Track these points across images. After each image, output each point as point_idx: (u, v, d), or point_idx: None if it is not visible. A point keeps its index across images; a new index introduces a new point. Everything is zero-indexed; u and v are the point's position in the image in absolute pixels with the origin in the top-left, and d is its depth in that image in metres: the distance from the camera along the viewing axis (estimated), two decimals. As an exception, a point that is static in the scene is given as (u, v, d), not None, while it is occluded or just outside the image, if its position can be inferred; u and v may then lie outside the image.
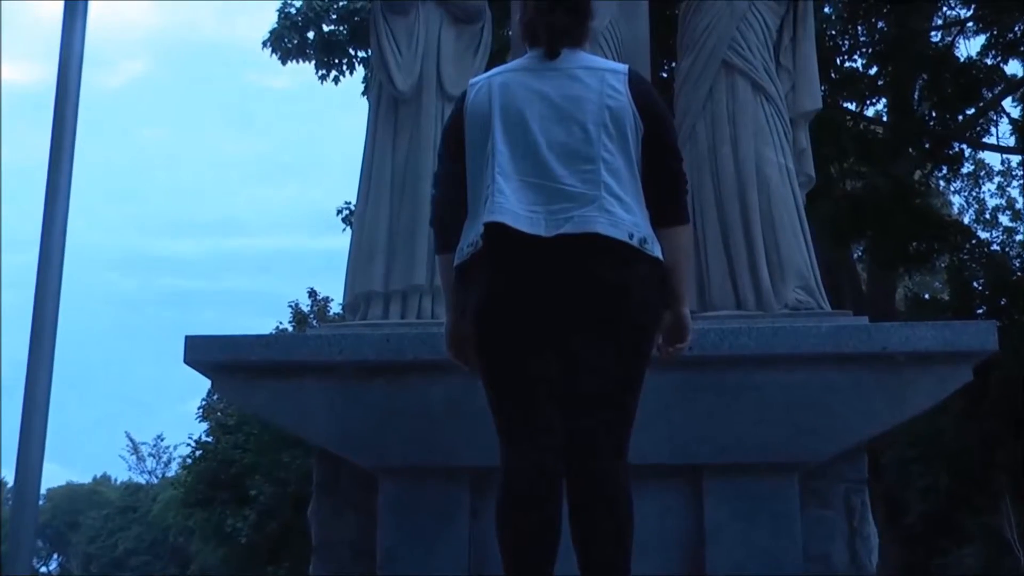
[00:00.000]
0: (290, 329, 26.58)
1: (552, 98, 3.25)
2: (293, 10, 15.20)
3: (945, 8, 16.08)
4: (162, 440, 52.98)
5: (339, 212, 16.98)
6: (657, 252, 3.20)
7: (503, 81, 3.33)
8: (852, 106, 16.00)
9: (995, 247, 19.25)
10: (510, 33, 6.62)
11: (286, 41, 15.03)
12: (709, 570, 4.54)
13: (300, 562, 17.35)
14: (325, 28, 15.33)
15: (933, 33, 16.04)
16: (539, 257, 3.11)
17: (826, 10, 13.97)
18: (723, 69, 5.39)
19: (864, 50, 15.17)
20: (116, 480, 64.88)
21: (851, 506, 4.77)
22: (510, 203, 3.13)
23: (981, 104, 15.77)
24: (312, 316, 27.82)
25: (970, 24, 15.66)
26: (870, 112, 16.74)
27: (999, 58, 15.13)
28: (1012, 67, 15.54)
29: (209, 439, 26.99)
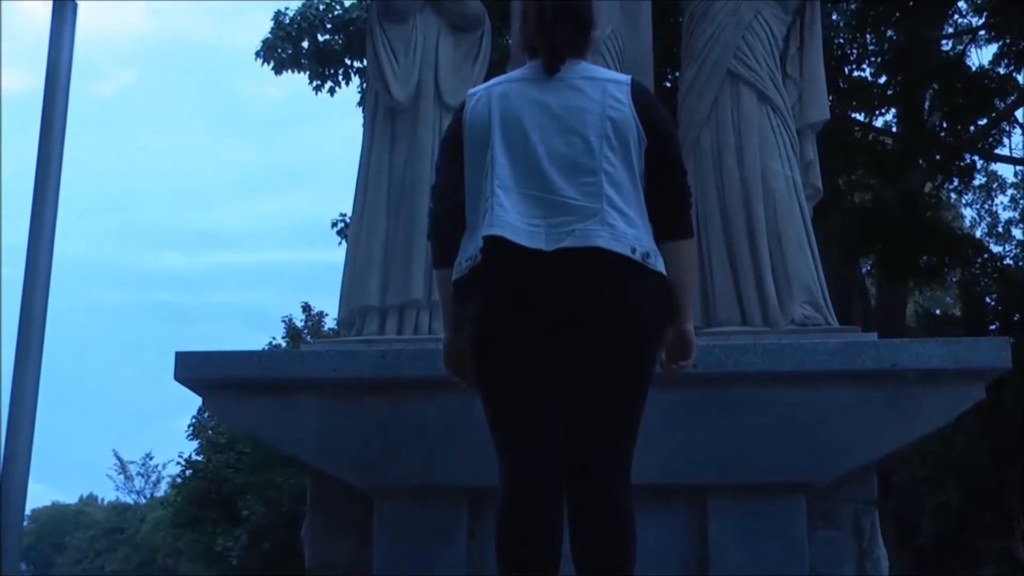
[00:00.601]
0: (283, 345, 26.58)
1: (553, 109, 3.25)
2: (287, 19, 15.23)
3: (956, 16, 16.11)
4: (151, 459, 52.90)
5: (334, 224, 17.00)
6: (660, 267, 3.20)
7: (503, 91, 3.34)
8: (861, 116, 16.03)
9: (1008, 261, 19.22)
10: (510, 42, 6.64)
11: (280, 51, 15.06)
12: (714, 594, 4.54)
13: (293, 585, 17.29)
14: (320, 37, 15.37)
15: (944, 41, 16.07)
16: (539, 272, 3.11)
17: (834, 18, 14.00)
18: (728, 79, 5.40)
19: (873, 59, 15.20)
20: (103, 500, 64.81)
21: (860, 527, 4.77)
22: (510, 216, 3.14)
23: (993, 114, 15.79)
24: (306, 331, 27.81)
25: (982, 32, 15.68)
26: (879, 123, 16.79)
27: (1012, 67, 15.16)
28: (1025, 76, 15.59)
29: (200, 458, 26.97)
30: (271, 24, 15.33)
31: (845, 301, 14.55)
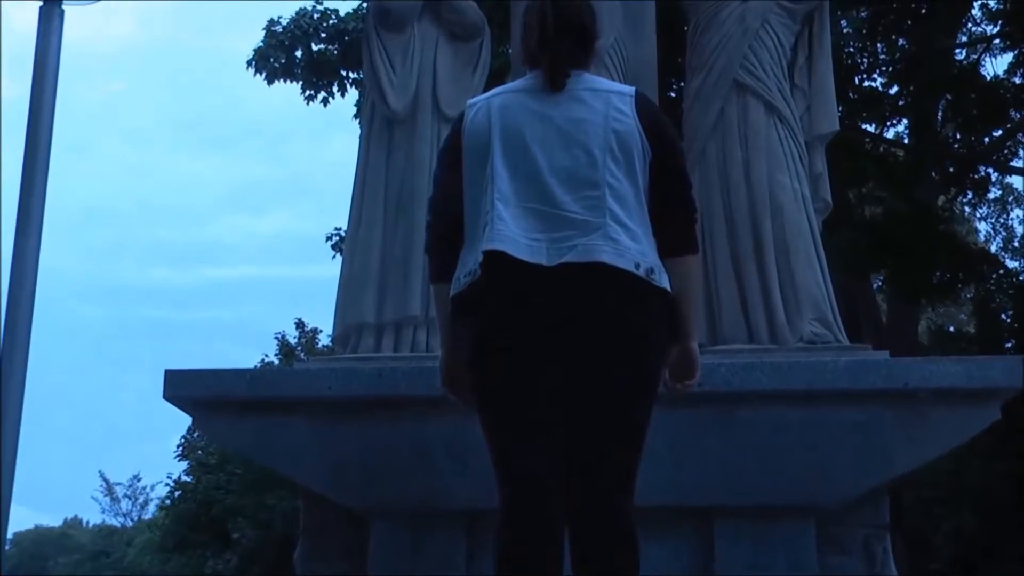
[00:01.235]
0: (276, 362, 26.55)
1: (555, 121, 3.27)
2: (280, 28, 15.25)
3: (970, 24, 16.15)
4: (138, 480, 52.71)
5: (328, 238, 17.01)
6: (665, 283, 3.21)
7: (503, 102, 3.35)
8: (871, 128, 16.06)
9: (1024, 277, 19.24)
10: (510, 51, 6.67)
11: (272, 60, 15.08)
12: (720, 620, 4.53)
13: (285, 610, 17.25)
14: (314, 47, 15.40)
15: (957, 50, 16.10)
16: (540, 288, 3.12)
17: (843, 26, 14.04)
18: (734, 89, 5.42)
19: (884, 68, 15.23)
20: (88, 523, 64.56)
21: (872, 552, 4.77)
22: (510, 230, 3.15)
23: (1009, 125, 15.81)
24: (300, 348, 27.80)
25: (997, 41, 15.73)
26: (890, 134, 16.83)
27: (1027, 77, 15.20)
28: (1041, 86, 15.61)
29: (189, 479, 26.90)
30: (263, 33, 15.35)
31: (855, 318, 14.55)
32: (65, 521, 69.20)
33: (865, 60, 15.02)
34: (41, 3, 6.93)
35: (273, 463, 5.21)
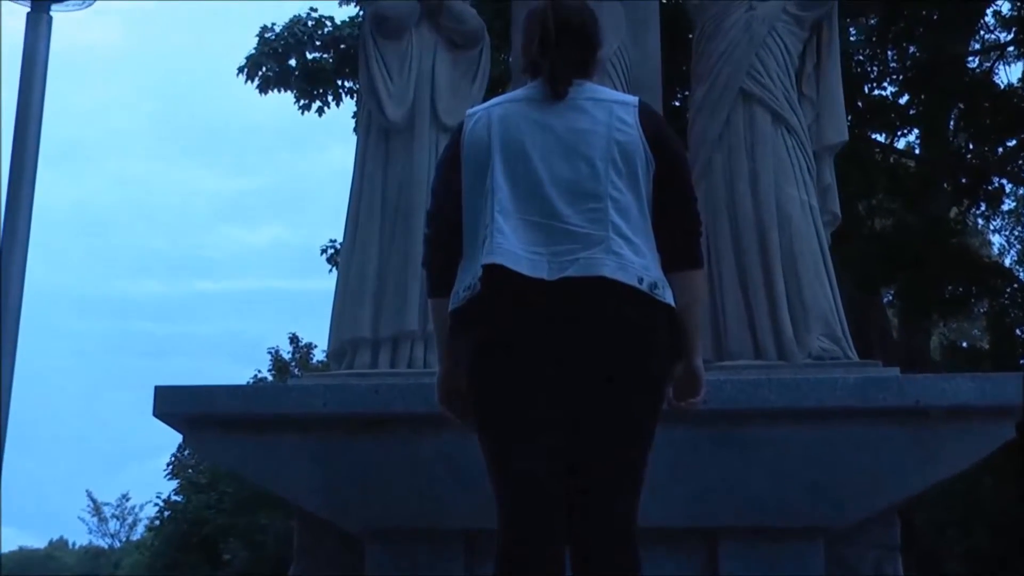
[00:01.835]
0: (270, 378, 26.56)
1: (556, 131, 3.27)
2: (273, 35, 15.25)
3: (983, 31, 16.17)
4: (127, 500, 52.61)
5: (323, 251, 17.01)
6: (669, 298, 3.21)
7: (503, 112, 3.36)
8: (881, 138, 16.07)
9: (1039, 291, 19.23)
10: (510, 59, 6.69)
11: (265, 69, 15.08)
12: (726, 645, 4.53)
13: (277, 634, 17.21)
14: (308, 55, 15.40)
15: (970, 58, 16.12)
16: (541, 302, 3.12)
17: (852, 34, 14.06)
18: (741, 98, 5.44)
19: (895, 77, 15.25)
20: (75, 544, 64.49)
21: (882, 575, 4.77)
22: (510, 244, 3.15)
23: (1022, 135, 15.82)
24: (294, 364, 27.80)
25: (1011, 48, 15.74)
26: (901, 144, 16.83)
27: (1043, 85, 15.20)
28: (1056, 95, 15.62)
29: (179, 498, 26.89)
30: (255, 40, 15.35)
31: (865, 333, 14.53)
32: (51, 542, 69.11)
33: (875, 68, 15.04)
34: (28, 9, 6.95)
35: (266, 482, 5.21)
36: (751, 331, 5.17)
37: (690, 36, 6.02)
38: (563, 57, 3.33)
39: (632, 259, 3.15)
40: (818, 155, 5.54)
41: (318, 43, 15.36)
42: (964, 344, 23.40)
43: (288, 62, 15.29)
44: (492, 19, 8.04)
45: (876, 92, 15.30)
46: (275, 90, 15.33)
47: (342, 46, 15.06)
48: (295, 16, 15.50)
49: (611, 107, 3.32)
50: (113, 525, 52.63)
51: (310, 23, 15.43)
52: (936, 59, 14.46)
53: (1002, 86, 15.47)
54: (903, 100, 15.48)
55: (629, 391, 3.14)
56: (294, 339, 29.01)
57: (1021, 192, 22.46)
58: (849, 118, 7.08)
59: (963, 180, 16.06)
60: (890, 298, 17.84)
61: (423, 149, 5.55)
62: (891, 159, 16.25)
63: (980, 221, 21.25)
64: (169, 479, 28.79)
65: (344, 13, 15.86)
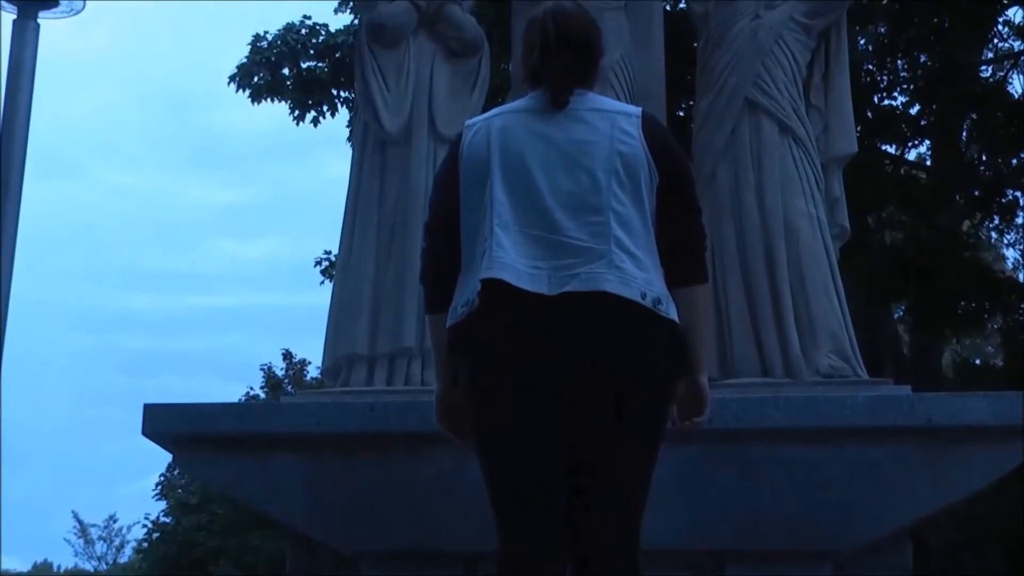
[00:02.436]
0: (262, 396, 26.53)
1: (558, 142, 3.28)
2: (266, 43, 15.25)
3: (996, 40, 16.19)
4: (114, 521, 52.43)
5: (318, 263, 17.02)
6: (672, 313, 3.22)
7: (503, 123, 3.37)
8: (892, 149, 16.08)
9: (1055, 307, 19.21)
10: (510, 68, 6.70)
11: (257, 78, 15.07)
12: (732, 672, 4.53)
13: (269, 660, 17.20)
14: (302, 64, 15.40)
15: (983, 67, 16.14)
16: (542, 318, 3.13)
17: (861, 42, 14.07)
18: (747, 108, 5.45)
19: (905, 86, 15.25)
20: (59, 567, 64.21)
21: (893, 599, 4.77)
22: (510, 258, 3.16)
23: (1038, 146, 15.83)
24: (287, 381, 27.78)
25: (1024, 57, 15.76)
26: (912, 156, 16.82)
27: (1058, 95, 15.21)
28: (1073, 105, 15.62)
29: (168, 519, 26.84)
30: (248, 48, 15.35)
31: (875, 350, 14.53)
32: (35, 565, 68.93)
33: (885, 78, 15.04)
34: (15, 16, 6.97)
35: (258, 503, 5.21)
36: (757, 348, 5.17)
37: (695, 45, 6.03)
38: (564, 66, 3.34)
39: (635, 274, 3.15)
40: (826, 167, 5.55)
41: (312, 52, 15.36)
42: (978, 361, 23.38)
43: (281, 71, 15.28)
44: (492, 26, 8.05)
45: (886, 102, 15.30)
46: (268, 99, 15.32)
47: (337, 55, 15.07)
48: (288, 24, 15.49)
49: (613, 118, 3.32)
50: (100, 547, 52.46)
51: (304, 31, 15.43)
52: (948, 68, 14.47)
53: (1016, 95, 15.47)
54: (914, 110, 15.48)
55: (632, 409, 3.14)
56: (287, 355, 28.97)
57: (1036, 205, 22.49)
58: (858, 129, 7.10)
59: (976, 192, 16.04)
60: (901, 314, 17.83)
61: (420, 161, 5.56)
62: (902, 171, 16.24)
63: (994, 235, 21.23)
64: (158, 500, 28.75)
65: (339, 21, 15.90)
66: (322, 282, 16.63)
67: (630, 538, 3.16)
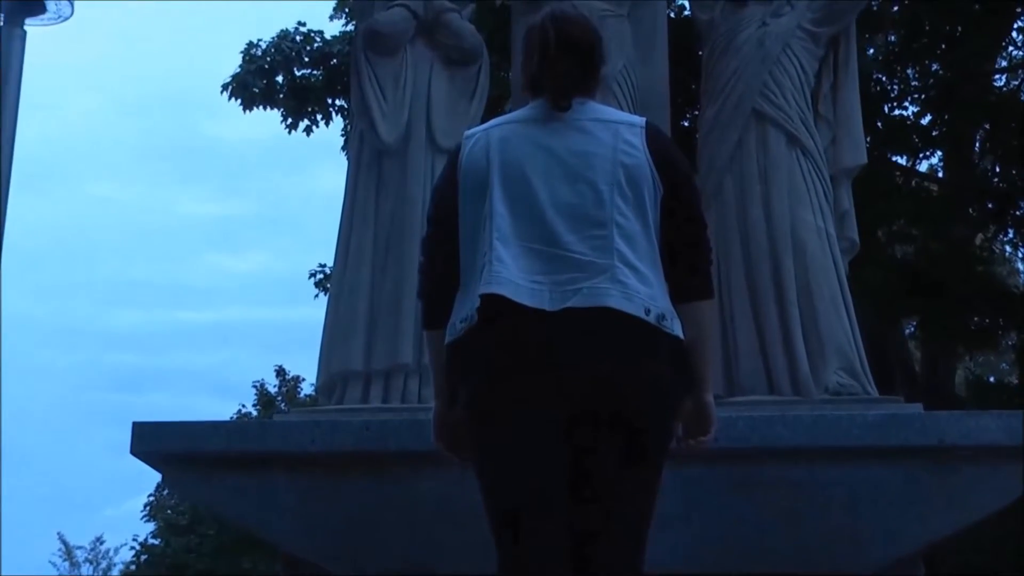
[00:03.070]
0: (254, 414, 26.53)
1: (559, 154, 3.28)
2: (259, 51, 15.27)
3: (1010, 47, 16.21)
4: (101, 543, 52.29)
5: (312, 275, 16.99)
6: (677, 330, 3.22)
7: (503, 134, 3.37)
8: (902, 160, 16.08)
9: (1071, 323, 19.19)
10: (511, 77, 6.71)
11: (251, 86, 15.07)
12: None
13: None
14: (296, 72, 15.42)
15: (997, 76, 16.16)
16: (542, 334, 3.13)
17: (870, 51, 14.09)
18: (753, 119, 5.46)
19: (916, 96, 15.27)
20: (46, 590, 64.18)
21: (905, 624, 4.76)
22: (510, 272, 3.16)
23: (1054, 158, 15.83)
24: (280, 399, 27.77)
25: (1039, 66, 15.78)
26: (923, 167, 16.82)
27: (1074, 105, 15.21)
28: (1088, 116, 15.62)
29: (156, 541, 26.83)
30: (241, 56, 15.36)
31: (885, 367, 14.50)
32: (20, 587, 68.90)
33: (895, 87, 15.06)
34: (1, 23, 6.98)
35: (250, 524, 5.20)
36: (764, 365, 5.17)
37: (700, 53, 6.04)
38: (564, 72, 3.34)
39: (638, 289, 3.15)
40: (835, 179, 5.55)
41: (307, 59, 15.38)
42: (991, 379, 23.36)
43: (275, 79, 15.30)
44: (492, 33, 8.06)
45: (896, 112, 15.31)
46: (261, 107, 15.33)
47: (332, 62, 15.09)
48: (282, 31, 15.51)
49: (617, 128, 3.32)
50: (86, 569, 52.32)
51: (298, 38, 15.45)
52: (960, 77, 14.49)
53: (1029, 106, 15.49)
54: (925, 121, 15.49)
55: (635, 428, 3.14)
56: (281, 372, 28.98)
57: (1051, 218, 22.49)
58: (868, 140, 7.11)
59: (989, 205, 16.04)
60: (912, 330, 17.82)
61: (418, 172, 5.56)
62: (913, 183, 16.25)
63: (1008, 248, 21.24)
64: (146, 521, 28.71)
65: (335, 28, 15.92)
66: (317, 295, 16.61)
67: (634, 559, 3.15)
